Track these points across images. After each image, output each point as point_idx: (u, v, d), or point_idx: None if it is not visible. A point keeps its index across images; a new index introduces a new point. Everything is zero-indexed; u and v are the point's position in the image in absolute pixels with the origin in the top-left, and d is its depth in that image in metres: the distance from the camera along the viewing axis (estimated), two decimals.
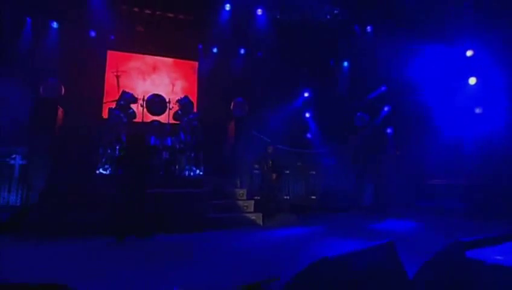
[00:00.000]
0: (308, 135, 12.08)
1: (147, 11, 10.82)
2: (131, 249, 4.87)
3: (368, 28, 11.82)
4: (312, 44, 12.19)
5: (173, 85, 12.56)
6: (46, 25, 9.92)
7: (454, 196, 9.13)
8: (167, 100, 9.42)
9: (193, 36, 11.60)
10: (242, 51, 12.26)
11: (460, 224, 7.41)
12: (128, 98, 8.20)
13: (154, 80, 12.41)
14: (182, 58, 12.49)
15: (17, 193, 7.25)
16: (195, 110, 10.55)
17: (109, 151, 7.52)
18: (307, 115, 12.65)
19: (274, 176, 8.43)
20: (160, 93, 12.05)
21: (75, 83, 9.43)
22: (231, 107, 9.16)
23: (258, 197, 8.78)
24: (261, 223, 7.00)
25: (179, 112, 8.51)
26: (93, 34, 10.58)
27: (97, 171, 7.37)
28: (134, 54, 12.04)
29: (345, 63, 12.90)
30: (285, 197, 9.85)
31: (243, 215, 6.94)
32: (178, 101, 8.71)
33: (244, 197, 7.86)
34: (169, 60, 12.57)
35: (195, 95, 12.62)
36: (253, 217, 6.96)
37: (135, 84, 12.01)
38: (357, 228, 6.82)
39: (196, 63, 12.76)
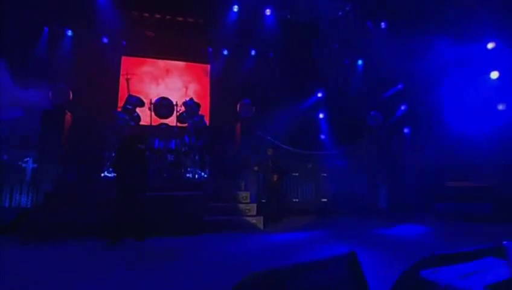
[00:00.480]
0: (322, 136, 11.76)
1: (157, 16, 10.94)
2: (122, 251, 4.85)
3: (382, 23, 11.33)
4: (325, 43, 11.87)
5: (186, 88, 12.63)
6: (61, 33, 10.27)
7: (475, 198, 8.49)
8: (174, 103, 9.45)
9: (203, 39, 11.61)
10: (253, 52, 12.13)
11: (477, 229, 6.86)
12: (134, 102, 8.28)
13: (167, 84, 12.53)
14: (194, 62, 12.55)
15: (28, 195, 7.50)
16: (204, 112, 10.59)
17: (113, 154, 7.62)
18: (321, 115, 12.33)
19: (275, 177, 8.21)
20: (173, 96, 12.31)
21: (89, 89, 9.70)
22: (237, 108, 9.04)
23: (264, 200, 8.62)
24: (262, 227, 6.80)
25: (184, 114, 8.50)
26: (105, 40, 10.84)
27: (102, 174, 7.49)
28: (147, 59, 12.23)
29: (360, 61, 12.45)
30: (294, 200, 9.59)
31: (242, 219, 6.79)
32: (184, 103, 8.70)
33: (248, 200, 7.68)
34: (182, 63, 12.66)
35: (208, 98, 12.66)
36: (254, 221, 6.78)
37: (148, 88, 12.19)
38: (361, 233, 6.46)
39: (208, 66, 12.79)
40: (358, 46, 11.86)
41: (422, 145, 10.17)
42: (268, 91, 11.67)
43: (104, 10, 10.09)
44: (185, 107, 8.56)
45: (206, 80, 12.88)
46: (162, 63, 12.48)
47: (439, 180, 9.17)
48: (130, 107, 8.13)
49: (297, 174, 9.64)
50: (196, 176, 8.10)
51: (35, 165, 7.65)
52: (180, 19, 11.19)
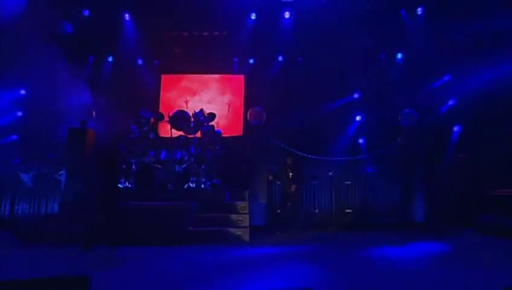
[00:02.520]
0: (360, 140, 10.67)
1: (185, 34, 11.41)
2: (82, 256, 5.06)
3: (419, 9, 9.82)
4: (356, 39, 10.83)
5: (222, 101, 12.81)
6: (103, 60, 11.47)
7: None
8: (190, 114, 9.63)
9: (230, 51, 11.69)
10: (280, 58, 11.74)
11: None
12: (147, 117, 8.70)
13: (203, 97, 12.91)
14: (227, 73, 12.71)
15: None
16: (238, 123, 10.62)
17: (124, 166, 8.08)
18: (358, 118, 11.25)
19: (293, 187, 7.64)
20: (208, 109, 12.66)
21: (130, 108, 10.55)
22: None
23: (279, 211, 8.15)
24: (247, 239, 6.38)
25: (191, 124, 8.59)
26: (140, 62, 11.73)
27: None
28: (184, 75, 12.81)
29: (399, 55, 11.00)
30: (314, 210, 8.82)
31: (227, 230, 6.46)
32: (193, 114, 8.82)
33: (246, 211, 7.31)
34: (216, 76, 12.95)
35: (242, 108, 12.67)
36: (239, 233, 6.40)
37: (186, 103, 12.76)
38: (358, 251, 5.55)
39: (242, 76, 12.83)
40: (395, 39, 10.50)
41: (468, 146, 8.42)
42: (293, 96, 11.15)
43: (136, 35, 10.93)
44: (193, 118, 8.65)
45: (241, 91, 12.91)
46: (198, 77, 12.95)
47: (486, 189, 7.42)
48: (143, 120, 8.55)
49: (316, 182, 8.87)
50: (202, 186, 8.06)
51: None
52: (206, 33, 11.47)
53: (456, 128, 9.37)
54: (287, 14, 10.49)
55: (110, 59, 11.54)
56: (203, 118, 8.69)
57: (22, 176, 8.61)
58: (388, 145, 8.98)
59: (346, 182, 8.89)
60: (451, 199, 8.33)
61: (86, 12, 10.20)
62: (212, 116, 9.32)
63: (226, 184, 8.54)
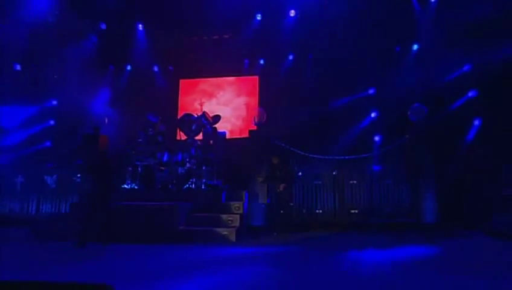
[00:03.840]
0: (376, 137, 10.22)
1: (195, 38, 11.73)
2: (74, 251, 5.48)
3: None
4: (368, 33, 10.39)
5: (238, 102, 12.98)
6: (122, 69, 12.20)
7: None
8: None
9: (242, 52, 11.80)
10: (291, 57, 11.61)
11: None
12: (153, 121, 9.11)
13: (220, 99, 13.17)
14: (241, 75, 12.84)
15: None
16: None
17: (130, 168, 8.55)
18: (372, 114, 10.79)
19: (281, 187, 7.58)
20: (225, 111, 12.93)
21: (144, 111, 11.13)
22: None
23: (282, 211, 8.10)
24: (233, 239, 6.42)
25: (193, 127, 8.82)
26: (156, 69, 12.29)
27: (123, 186, 8.50)
28: (199, 79, 13.17)
29: (415, 46, 10.32)
30: (317, 211, 8.62)
31: (215, 230, 6.55)
32: (194, 117, 9.06)
33: (240, 211, 7.40)
34: (231, 78, 13.15)
35: (256, 108, 12.71)
36: (225, 233, 6.47)
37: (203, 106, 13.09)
38: (335, 254, 5.34)
39: (256, 77, 12.89)
40: (409, 30, 9.88)
41: (488, 141, 7.70)
42: (305, 94, 10.97)
43: (150, 44, 11.48)
44: (196, 121, 8.89)
45: (256, 92, 12.98)
46: (213, 80, 13.24)
47: (498, 186, 6.72)
48: (149, 125, 8.98)
49: (319, 182, 8.65)
50: (203, 186, 8.26)
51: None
52: (216, 37, 11.70)
53: (475, 122, 8.62)
54: (292, 13, 10.36)
55: (129, 68, 12.22)
56: (205, 121, 8.88)
57: (47, 178, 9.44)
58: (396, 141, 8.50)
59: (351, 182, 8.56)
60: (464, 198, 7.68)
61: (103, 26, 10.93)
62: (216, 118, 9.51)
63: (228, 185, 8.69)
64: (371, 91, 10.93)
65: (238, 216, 6.98)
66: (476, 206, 7.28)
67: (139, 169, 8.59)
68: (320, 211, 8.55)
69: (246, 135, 11.14)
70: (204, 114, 9.11)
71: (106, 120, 9.40)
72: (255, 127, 12.97)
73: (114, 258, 5.09)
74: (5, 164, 9.65)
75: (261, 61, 11.84)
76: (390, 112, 9.64)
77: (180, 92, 13.29)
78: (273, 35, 10.82)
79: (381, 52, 10.55)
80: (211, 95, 13.11)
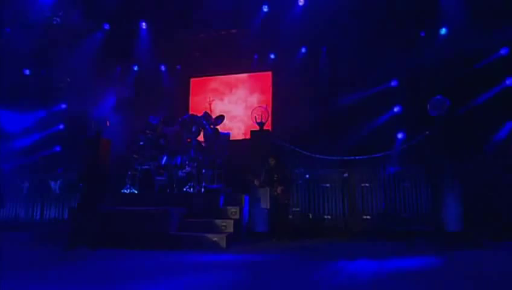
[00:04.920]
0: (399, 135, 10.08)
1: (201, 36, 12.16)
2: (64, 256, 6.02)
3: None
4: (388, 20, 10.27)
5: (251, 100, 13.25)
6: (129, 69, 12.93)
7: None
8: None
9: (252, 47, 12.05)
10: (303, 50, 11.69)
11: None
12: (154, 123, 9.61)
13: (231, 98, 13.53)
14: (254, 72, 13.11)
15: None
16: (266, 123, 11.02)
17: (129, 172, 9.10)
18: (395, 109, 10.64)
19: (279, 189, 7.71)
20: (237, 109, 13.29)
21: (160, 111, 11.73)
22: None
23: (280, 216, 8.25)
24: (224, 246, 6.66)
25: (193, 128, 9.19)
26: (163, 68, 12.87)
27: (122, 191, 9.06)
28: (210, 77, 13.61)
29: (443, 30, 10.01)
30: (325, 216, 8.64)
31: (206, 236, 6.82)
32: (195, 118, 9.43)
33: (237, 216, 7.65)
34: (244, 75, 13.45)
35: (270, 107, 12.93)
36: (215, 239, 6.73)
37: (214, 105, 13.49)
38: (313, 265, 5.41)
39: (269, 73, 13.11)
40: (435, 12, 9.63)
41: None
42: (319, 90, 11.03)
43: (156, 43, 12.08)
44: (196, 122, 9.24)
45: (269, 88, 13.19)
46: (225, 78, 13.62)
47: None
48: (149, 127, 9.49)
49: (328, 185, 8.68)
50: (202, 190, 8.60)
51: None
52: (223, 32, 12.05)
53: None
54: (301, 1, 10.46)
55: (136, 68, 12.93)
56: (205, 122, 9.22)
57: (52, 183, 10.27)
58: (415, 139, 8.35)
59: (363, 184, 8.51)
60: (494, 203, 7.38)
61: (106, 26, 11.68)
62: (219, 119, 9.82)
63: (231, 188, 8.96)
64: (393, 83, 10.77)
65: (231, 222, 7.21)
66: (508, 212, 6.99)
67: (139, 173, 9.11)
68: (329, 217, 8.57)
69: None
70: (205, 114, 9.45)
71: (108, 123, 10.01)
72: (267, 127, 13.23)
73: (91, 263, 5.51)
74: (12, 169, 10.60)
75: (272, 56, 12.01)
76: (412, 106, 9.46)
77: (190, 91, 13.80)
78: (283, 27, 10.96)
79: (404, 39, 10.35)
80: (222, 94, 13.50)
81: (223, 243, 6.67)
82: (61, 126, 12.90)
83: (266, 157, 8.10)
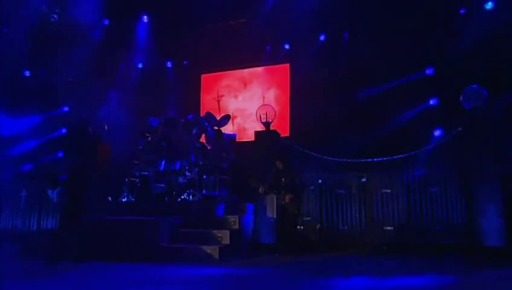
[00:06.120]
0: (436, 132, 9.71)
1: (209, 25, 12.28)
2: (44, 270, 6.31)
3: None
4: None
5: (263, 97, 13.25)
6: (134, 67, 13.33)
7: None
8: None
9: (264, 37, 12.04)
10: (322, 37, 11.52)
11: None
12: (153, 125, 9.84)
13: (246, 95, 13.58)
14: (268, 64, 13.09)
15: None
16: (284, 121, 11.00)
17: (126, 180, 9.37)
18: (431, 102, 10.27)
19: (287, 198, 7.61)
20: (252, 107, 13.32)
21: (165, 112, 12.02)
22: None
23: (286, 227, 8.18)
24: (217, 258, 6.70)
25: (194, 131, 9.31)
26: (169, 64, 13.16)
27: (119, 199, 9.36)
28: (223, 72, 13.73)
29: (489, 4, 9.50)
30: (342, 227, 8.46)
31: (198, 248, 6.87)
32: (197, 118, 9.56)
33: (236, 226, 7.68)
34: (259, 69, 13.46)
35: (288, 103, 12.89)
36: (208, 251, 6.77)
37: (228, 103, 13.64)
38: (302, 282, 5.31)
39: (287, 66, 13.04)
40: None
41: None
42: (340, 83, 10.83)
43: (161, 38, 12.40)
44: (197, 124, 9.35)
45: (286, 82, 13.13)
46: (239, 73, 13.70)
47: None
48: (148, 130, 9.73)
49: (343, 191, 8.50)
50: (203, 198, 8.70)
51: None
52: (232, 22, 12.12)
53: None
54: None
55: (140, 66, 13.32)
56: (207, 123, 9.30)
57: (49, 192, 10.76)
58: (445, 137, 8.01)
59: (384, 190, 8.26)
60: None
61: (106, 21, 12.13)
62: (224, 119, 9.90)
63: (237, 196, 9.00)
64: (428, 71, 10.39)
65: (228, 232, 7.24)
66: None
67: (138, 180, 9.35)
68: (345, 228, 8.38)
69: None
70: (207, 115, 9.54)
71: (106, 127, 10.39)
72: (285, 126, 13.19)
73: (72, 277, 5.73)
74: (11, 177, 11.22)
75: (286, 46, 11.94)
76: (447, 97, 9.09)
77: (202, 88, 13.98)
78: (297, 13, 10.86)
79: (439, 18, 9.95)
80: (237, 90, 13.58)
81: (216, 255, 6.71)
82: (63, 130, 13.47)
83: (273, 161, 8.04)
